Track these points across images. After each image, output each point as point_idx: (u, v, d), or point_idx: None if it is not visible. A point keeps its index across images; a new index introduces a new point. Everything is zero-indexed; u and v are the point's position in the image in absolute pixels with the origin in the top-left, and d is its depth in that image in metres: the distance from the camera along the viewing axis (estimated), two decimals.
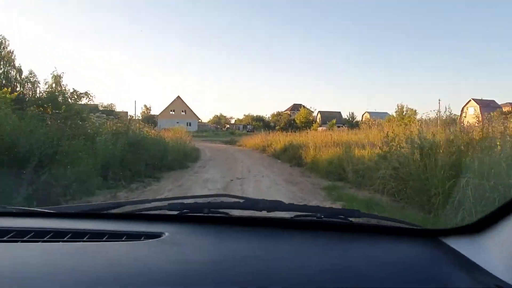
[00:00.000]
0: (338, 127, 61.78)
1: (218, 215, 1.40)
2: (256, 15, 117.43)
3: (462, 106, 53.82)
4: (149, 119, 73.45)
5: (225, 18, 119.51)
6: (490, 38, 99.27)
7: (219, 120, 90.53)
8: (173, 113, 75.04)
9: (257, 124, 78.26)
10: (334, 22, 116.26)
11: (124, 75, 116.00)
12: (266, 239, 1.26)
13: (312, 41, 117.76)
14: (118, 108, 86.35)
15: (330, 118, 68.40)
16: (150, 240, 1.15)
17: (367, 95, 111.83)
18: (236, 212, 1.44)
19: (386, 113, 79.81)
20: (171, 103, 76.24)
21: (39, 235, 1.15)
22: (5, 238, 1.12)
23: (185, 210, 1.39)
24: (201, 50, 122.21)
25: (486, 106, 51.38)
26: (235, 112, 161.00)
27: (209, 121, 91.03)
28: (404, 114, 53.81)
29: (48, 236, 1.15)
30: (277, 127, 61.41)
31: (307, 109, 66.00)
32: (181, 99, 76.15)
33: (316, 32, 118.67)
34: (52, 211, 1.46)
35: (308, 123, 60.80)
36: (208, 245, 1.19)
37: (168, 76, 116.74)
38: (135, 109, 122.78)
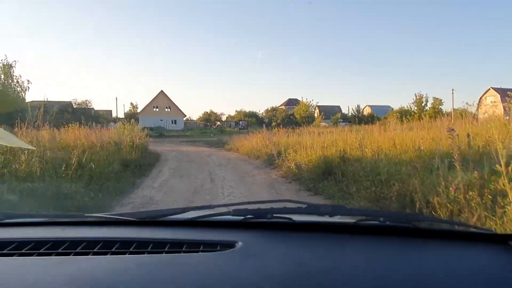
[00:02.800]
0: (343, 122, 54.53)
1: (282, 220, 1.35)
2: (245, 5, 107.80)
3: (480, 95, 47.91)
4: (131, 118, 65.38)
5: (212, 6, 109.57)
6: (504, 23, 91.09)
7: (209, 117, 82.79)
8: (157, 109, 65.73)
9: (251, 120, 70.84)
10: (324, 12, 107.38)
11: (104, 71, 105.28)
12: (333, 246, 1.23)
13: (304, 34, 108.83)
14: (100, 107, 78.61)
15: (330, 113, 60.08)
16: (228, 250, 1.13)
17: (365, 88, 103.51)
18: (298, 217, 1.38)
19: (389, 106, 72.83)
20: (154, 98, 66.74)
21: (124, 246, 1.16)
22: (95, 250, 1.14)
23: (249, 216, 1.35)
24: (187, 42, 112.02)
25: (506, 95, 46.47)
26: (227, 108, 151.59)
27: (199, 118, 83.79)
28: (423, 105, 45.82)
29: (133, 247, 1.16)
30: (273, 123, 53.56)
31: (307, 102, 56.44)
32: (165, 94, 66.71)
33: (308, 24, 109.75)
34: (131, 219, 1.42)
35: (310, 118, 51.99)
36: (283, 253, 1.16)
37: (152, 71, 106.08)
38: (117, 107, 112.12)
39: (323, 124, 48.94)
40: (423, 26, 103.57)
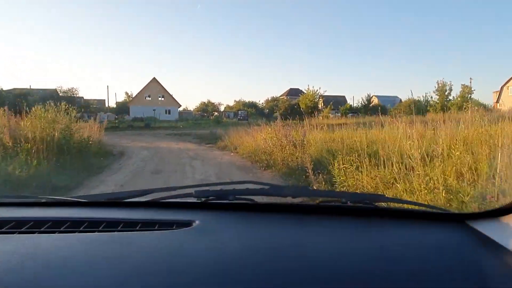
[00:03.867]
0: (350, 113, 49.37)
1: (244, 201, 1.35)
2: None
3: (501, 85, 43.39)
4: (126, 107, 61.07)
5: None
6: None
7: (206, 107, 77.79)
8: (149, 98, 60.12)
9: (250, 110, 66.15)
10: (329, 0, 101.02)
11: (96, 58, 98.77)
12: (295, 226, 1.23)
13: (304, 21, 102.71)
14: (92, 96, 72.93)
15: (335, 103, 54.54)
16: (183, 228, 1.12)
17: (370, 78, 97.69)
18: (261, 199, 1.38)
19: (396, 97, 67.54)
20: (145, 86, 61.00)
21: (75, 225, 1.14)
22: (42, 229, 1.11)
23: (211, 197, 1.36)
24: (183, 29, 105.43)
25: None
26: (225, 98, 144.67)
27: (195, 108, 79.16)
28: (446, 93, 40.13)
29: (83, 226, 1.14)
30: (275, 114, 48.21)
31: (313, 91, 50.38)
32: (157, 82, 60.94)
33: (310, 11, 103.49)
34: (83, 200, 1.44)
35: (315, 108, 46.41)
36: (241, 232, 1.17)
37: (145, 59, 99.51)
38: (108, 96, 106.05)
39: (331, 115, 43.78)
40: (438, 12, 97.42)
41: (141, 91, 60.80)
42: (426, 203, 2.02)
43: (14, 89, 54.08)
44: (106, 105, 66.97)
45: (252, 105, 72.41)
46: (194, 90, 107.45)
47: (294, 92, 69.75)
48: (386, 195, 1.37)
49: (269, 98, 72.95)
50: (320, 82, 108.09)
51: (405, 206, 1.53)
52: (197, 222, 1.16)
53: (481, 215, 1.18)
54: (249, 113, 40.78)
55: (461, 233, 1.15)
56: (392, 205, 1.75)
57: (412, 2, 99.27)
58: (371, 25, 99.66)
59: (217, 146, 15.31)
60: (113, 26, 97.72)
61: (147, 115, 52.58)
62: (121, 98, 69.86)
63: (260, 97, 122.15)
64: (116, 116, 56.73)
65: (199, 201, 1.35)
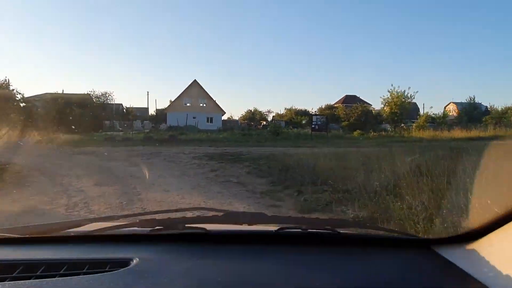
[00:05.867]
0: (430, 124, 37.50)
1: (195, 231, 1.22)
2: None
3: None
4: (164, 115, 53.27)
5: None
6: None
7: (253, 116, 68.42)
8: (189, 104, 50.87)
9: (303, 118, 56.83)
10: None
11: (139, 62, 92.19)
12: (252, 257, 1.15)
13: (360, 21, 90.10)
14: (137, 104, 66.01)
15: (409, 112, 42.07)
16: (118, 270, 0.98)
17: (442, 82, 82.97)
18: (214, 227, 1.26)
19: (479, 104, 53.64)
20: (185, 90, 51.94)
21: None
22: None
23: (157, 227, 1.20)
24: (226, 32, 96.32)
25: None
26: (272, 105, 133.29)
27: (241, 117, 69.93)
28: None
29: None
30: (343, 122, 37.14)
31: (400, 92, 37.12)
32: (199, 85, 51.61)
33: (368, 11, 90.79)
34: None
35: (404, 116, 34.41)
36: (191, 268, 1.04)
37: (187, 62, 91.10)
38: (148, 102, 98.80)
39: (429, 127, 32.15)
40: None
41: (180, 95, 51.79)
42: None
43: (45, 93, 48.73)
44: (149, 113, 60.12)
45: (305, 113, 63.71)
46: (238, 97, 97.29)
47: (350, 99, 61.05)
48: (350, 220, 1.26)
49: (323, 106, 63.81)
50: (373, 89, 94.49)
51: (371, 231, 1.41)
52: (135, 260, 1.02)
53: (447, 241, 1.16)
54: (324, 122, 29.53)
55: (426, 259, 1.13)
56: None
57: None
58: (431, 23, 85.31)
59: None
60: (154, 26, 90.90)
61: (185, 123, 43.49)
62: (162, 104, 61.97)
63: (309, 105, 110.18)
64: (153, 125, 49.42)
65: (142, 232, 1.19)
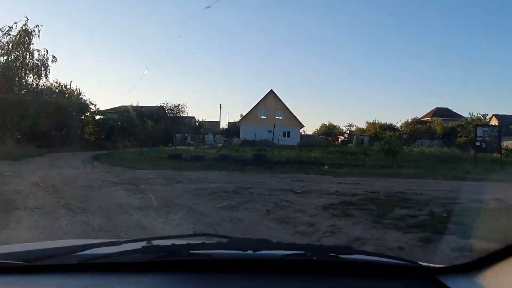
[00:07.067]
0: None
1: (200, 258, 1.20)
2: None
3: None
4: (236, 129, 49.40)
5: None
6: None
7: (329, 130, 61.32)
8: (264, 117, 45.80)
9: (392, 134, 49.07)
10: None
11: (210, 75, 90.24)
12: (255, 284, 1.14)
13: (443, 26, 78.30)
14: (208, 117, 64.00)
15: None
16: None
17: None
18: (219, 253, 1.22)
19: None
20: (260, 101, 47.12)
21: None
22: None
23: (161, 254, 1.17)
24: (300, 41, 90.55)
25: None
26: (345, 119, 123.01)
27: (316, 131, 63.57)
28: None
29: None
30: (460, 139, 29.04)
31: None
32: (275, 96, 46.46)
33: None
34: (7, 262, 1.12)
35: None
36: None
37: (261, 73, 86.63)
38: (220, 116, 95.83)
39: None
40: None
41: (254, 107, 47.06)
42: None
43: (120, 106, 47.85)
44: (221, 126, 56.91)
45: (389, 127, 55.34)
46: (312, 109, 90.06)
47: (441, 113, 54.75)
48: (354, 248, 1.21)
49: (408, 120, 56.29)
50: (464, 100, 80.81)
51: (374, 258, 1.34)
52: None
53: (453, 270, 1.15)
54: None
55: None
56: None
57: None
58: None
59: None
60: (228, 35, 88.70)
61: (259, 138, 38.47)
62: (234, 118, 58.21)
63: (392, 118, 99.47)
64: (225, 139, 45.63)
65: (145, 260, 1.15)
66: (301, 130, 50.41)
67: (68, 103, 30.10)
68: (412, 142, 42.46)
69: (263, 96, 47.04)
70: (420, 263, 1.27)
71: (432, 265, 1.27)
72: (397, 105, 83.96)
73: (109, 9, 79.01)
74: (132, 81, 79.31)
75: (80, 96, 32.52)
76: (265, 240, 1.28)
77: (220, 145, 33.77)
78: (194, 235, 1.29)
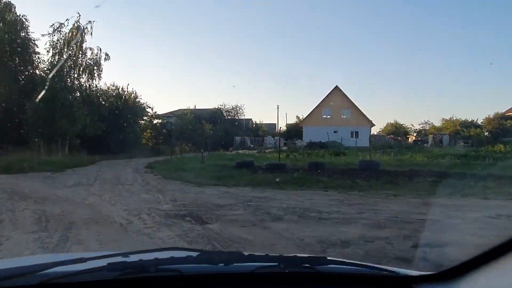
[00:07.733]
0: None
1: (169, 273, 1.14)
2: None
3: None
4: (296, 130, 45.62)
5: None
6: None
7: (396, 130, 55.22)
8: (328, 116, 41.47)
9: (476, 132, 43.37)
10: None
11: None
12: None
13: None
14: (266, 119, 61.08)
15: None
16: None
17: None
18: (189, 268, 1.18)
19: None
20: (324, 99, 42.65)
21: None
22: None
23: (128, 270, 1.11)
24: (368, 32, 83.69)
25: None
26: (409, 117, 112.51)
27: (382, 130, 58.16)
28: None
29: None
30: None
31: None
32: (341, 92, 41.74)
33: None
34: None
35: None
36: None
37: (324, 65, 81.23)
38: (278, 117, 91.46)
39: None
40: None
41: (318, 105, 42.82)
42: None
43: (178, 110, 46.29)
44: (278, 128, 53.57)
45: (472, 125, 49.46)
46: (377, 107, 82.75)
47: None
48: (329, 258, 1.11)
49: (491, 115, 49.59)
50: None
51: (350, 268, 1.37)
52: None
53: (429, 278, 1.15)
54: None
55: None
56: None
57: None
58: None
59: None
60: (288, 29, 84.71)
61: (324, 139, 34.20)
62: (292, 119, 54.19)
63: (469, 114, 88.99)
64: (286, 141, 41.90)
65: (110, 277, 1.09)
66: (378, 131, 45.31)
67: (124, 107, 28.09)
68: (498, 140, 36.00)
69: (327, 93, 42.60)
70: (397, 271, 1.24)
71: (409, 272, 1.25)
72: (473, 99, 74.40)
73: (167, 9, 78.75)
74: (189, 84, 78.62)
75: (137, 100, 30.42)
76: (236, 253, 1.26)
77: (285, 148, 29.87)
78: (162, 249, 1.19)
